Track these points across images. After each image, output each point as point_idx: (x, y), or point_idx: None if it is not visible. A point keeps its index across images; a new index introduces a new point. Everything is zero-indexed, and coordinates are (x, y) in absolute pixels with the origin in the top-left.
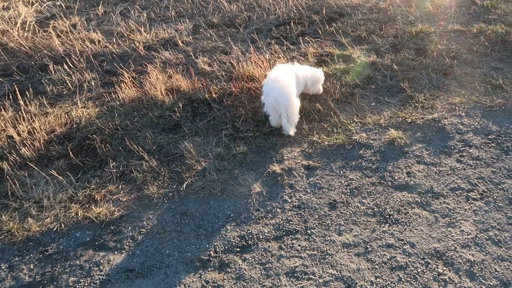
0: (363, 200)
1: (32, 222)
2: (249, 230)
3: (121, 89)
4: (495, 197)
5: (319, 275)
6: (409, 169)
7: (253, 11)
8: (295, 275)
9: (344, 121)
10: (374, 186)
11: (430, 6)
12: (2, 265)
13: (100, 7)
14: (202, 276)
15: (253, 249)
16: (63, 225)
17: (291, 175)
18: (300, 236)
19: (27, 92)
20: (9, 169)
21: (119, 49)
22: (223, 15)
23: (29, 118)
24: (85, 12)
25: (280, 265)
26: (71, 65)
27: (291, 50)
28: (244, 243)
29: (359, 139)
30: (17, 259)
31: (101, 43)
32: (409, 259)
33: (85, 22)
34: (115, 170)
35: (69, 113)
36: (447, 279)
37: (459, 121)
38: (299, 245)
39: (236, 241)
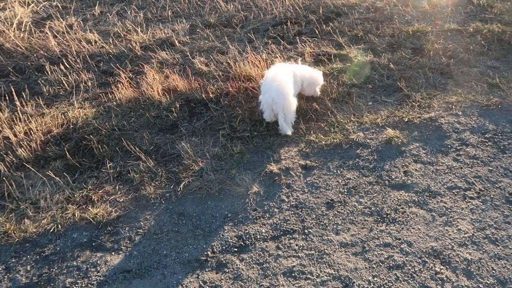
0: (361, 200)
1: (29, 223)
2: (246, 230)
3: (117, 89)
4: (491, 196)
5: (317, 274)
6: (406, 168)
7: (250, 10)
8: (293, 274)
9: (341, 120)
10: (371, 185)
11: (427, 5)
12: None
13: (96, 7)
14: (199, 277)
15: (251, 249)
16: (60, 226)
17: (288, 175)
18: (297, 236)
19: (23, 93)
20: (6, 170)
21: (115, 50)
22: (220, 15)
23: (26, 119)
24: (82, 13)
25: (277, 265)
26: (67, 65)
27: (288, 49)
28: (242, 243)
29: (356, 139)
30: (13, 260)
31: (98, 44)
32: (406, 258)
33: (81, 22)
34: (112, 170)
35: (65, 114)
36: (444, 278)
37: (456, 120)
38: (296, 245)
39: (234, 241)
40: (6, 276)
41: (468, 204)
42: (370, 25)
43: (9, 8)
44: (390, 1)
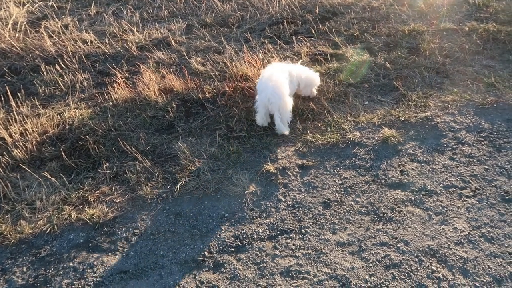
0: (357, 199)
1: (25, 224)
2: (243, 230)
3: (114, 89)
4: (487, 194)
5: (314, 274)
6: (403, 167)
7: (246, 10)
8: (290, 274)
9: (338, 120)
10: (368, 184)
11: (423, 4)
12: None
13: (92, 7)
14: (196, 277)
15: (248, 249)
16: (56, 227)
17: (285, 175)
18: (294, 236)
19: (19, 94)
20: (1, 171)
21: (111, 50)
22: (216, 14)
23: (21, 119)
24: (77, 13)
25: (274, 264)
26: (63, 65)
27: (285, 49)
28: (239, 243)
29: (352, 138)
30: (9, 262)
31: (94, 44)
32: (403, 257)
33: (77, 22)
34: (108, 171)
35: (61, 114)
36: (441, 277)
37: (452, 119)
38: (293, 245)
39: (231, 241)
40: (2, 278)
41: (464, 202)
42: (366, 25)
43: (4, 8)
44: (386, 1)
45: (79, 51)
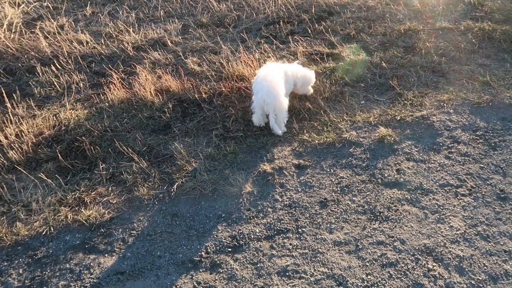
0: (354, 198)
1: (21, 226)
2: (240, 230)
3: (110, 90)
4: (483, 193)
5: (311, 273)
6: (399, 166)
7: (242, 10)
8: (287, 274)
9: (334, 119)
10: (364, 183)
11: (418, 4)
12: None
13: (88, 7)
14: (193, 277)
15: (245, 249)
16: (52, 229)
17: (281, 174)
18: (291, 235)
19: (14, 95)
20: None
21: (107, 50)
22: (212, 14)
23: (17, 120)
24: (73, 13)
25: (271, 264)
26: (59, 66)
27: (281, 49)
28: (236, 243)
29: (349, 137)
30: (5, 263)
31: (89, 44)
32: (400, 256)
33: (72, 23)
34: (104, 172)
35: (57, 115)
36: (437, 275)
37: (448, 118)
38: (290, 244)
39: (228, 241)
40: None
41: (460, 201)
42: (362, 24)
43: None
44: (382, 0)
45: (74, 51)
